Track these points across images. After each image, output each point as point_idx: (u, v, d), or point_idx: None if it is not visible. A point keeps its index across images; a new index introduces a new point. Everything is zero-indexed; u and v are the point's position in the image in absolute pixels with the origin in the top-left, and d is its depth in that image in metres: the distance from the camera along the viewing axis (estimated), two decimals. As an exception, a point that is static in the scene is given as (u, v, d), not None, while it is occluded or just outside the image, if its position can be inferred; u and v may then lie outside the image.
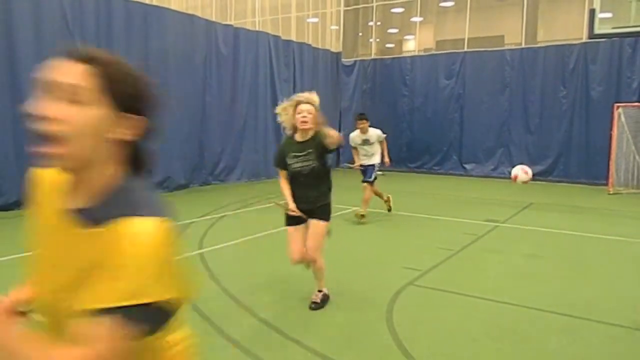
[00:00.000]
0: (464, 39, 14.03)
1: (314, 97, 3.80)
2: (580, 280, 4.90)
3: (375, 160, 7.48)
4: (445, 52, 14.59)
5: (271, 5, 13.50)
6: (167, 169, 10.10)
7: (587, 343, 3.43)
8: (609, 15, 8.40)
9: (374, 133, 7.43)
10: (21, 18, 7.75)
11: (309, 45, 14.35)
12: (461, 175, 13.87)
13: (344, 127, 13.83)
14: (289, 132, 3.89)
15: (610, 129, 11.07)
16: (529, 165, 12.57)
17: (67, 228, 1.03)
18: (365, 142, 7.42)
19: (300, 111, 3.71)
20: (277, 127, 9.17)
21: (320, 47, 14.85)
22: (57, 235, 1.06)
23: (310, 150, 3.72)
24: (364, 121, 7.39)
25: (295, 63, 13.59)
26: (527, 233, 6.93)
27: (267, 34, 12.72)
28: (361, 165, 7.52)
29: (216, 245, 5.93)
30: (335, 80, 15.41)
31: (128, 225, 0.95)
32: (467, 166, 14.04)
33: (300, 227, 3.87)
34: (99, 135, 1.00)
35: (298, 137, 3.80)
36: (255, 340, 3.36)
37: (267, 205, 7.60)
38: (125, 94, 1.02)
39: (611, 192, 10.86)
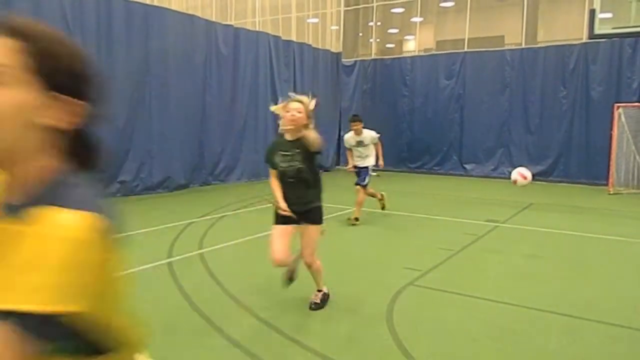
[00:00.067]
0: (464, 39, 14.03)
1: (305, 98, 3.75)
2: (580, 280, 4.90)
3: (369, 162, 7.40)
4: (445, 52, 14.59)
5: (271, 5, 13.50)
6: (167, 169, 10.10)
7: (587, 343, 3.43)
8: (609, 15, 8.40)
9: (368, 135, 7.36)
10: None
11: (309, 45, 14.36)
12: (461, 175, 13.87)
13: (344, 128, 13.83)
14: (281, 130, 3.84)
15: (611, 129, 11.07)
16: (529, 166, 12.65)
17: None
18: (360, 143, 7.35)
19: (289, 110, 3.65)
20: (277, 127, 9.20)
21: (320, 47, 14.86)
22: None
23: (297, 151, 3.65)
24: (358, 122, 7.31)
25: (295, 63, 13.60)
26: (528, 233, 6.93)
27: (267, 34, 12.73)
28: (355, 167, 7.47)
29: (216, 245, 5.93)
30: (335, 81, 15.41)
31: (44, 215, 0.80)
32: (467, 166, 14.04)
33: (288, 227, 3.75)
34: (25, 121, 0.85)
35: (288, 136, 3.75)
36: (255, 341, 3.36)
37: (267, 205, 7.59)
38: (58, 73, 0.87)
39: (611, 192, 10.86)
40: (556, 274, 5.07)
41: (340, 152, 14.65)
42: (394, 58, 15.51)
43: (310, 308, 3.89)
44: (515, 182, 6.57)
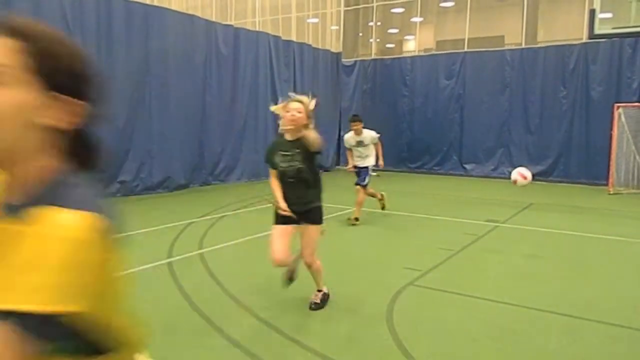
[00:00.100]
0: (464, 39, 14.03)
1: (305, 98, 3.73)
2: (580, 280, 4.90)
3: (369, 162, 7.39)
4: (445, 52, 14.59)
5: (271, 5, 13.50)
6: (167, 169, 10.10)
7: (587, 343, 3.43)
8: (609, 15, 8.40)
9: (368, 135, 7.34)
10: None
11: (309, 45, 14.36)
12: (461, 175, 13.87)
13: (344, 128, 13.83)
14: (281, 130, 3.82)
15: (611, 129, 11.07)
16: (529, 166, 12.63)
17: None
18: (360, 143, 7.34)
19: (289, 110, 3.63)
20: (277, 127, 9.21)
21: (320, 47, 14.86)
22: None
23: (297, 151, 3.63)
24: (358, 122, 7.30)
25: (295, 63, 13.60)
26: (527, 233, 6.93)
27: (267, 34, 12.73)
28: (355, 167, 7.46)
29: (216, 245, 5.93)
30: (335, 81, 15.41)
31: (44, 215, 0.80)
32: (467, 166, 14.04)
33: (288, 227, 3.73)
34: (25, 122, 0.85)
35: (288, 136, 3.73)
36: (255, 341, 3.36)
37: (268, 205, 7.59)
38: (58, 73, 0.87)
39: (611, 192, 10.86)
40: (556, 274, 5.07)
41: (341, 152, 14.65)
42: (394, 58, 15.51)
43: (310, 308, 3.89)
44: (515, 182, 6.58)
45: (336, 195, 8.84)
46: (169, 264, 5.11)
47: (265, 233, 6.36)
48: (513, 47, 13.72)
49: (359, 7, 16.46)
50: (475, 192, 10.95)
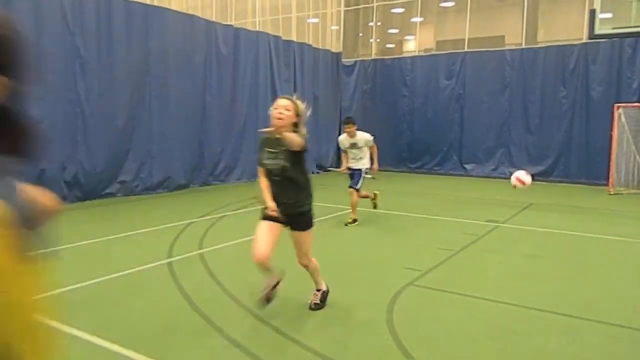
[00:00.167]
0: (464, 39, 14.03)
1: (297, 100, 3.63)
2: (580, 280, 4.90)
3: (364, 164, 7.34)
4: (445, 52, 14.60)
5: (271, 5, 13.51)
6: (167, 169, 10.11)
7: (587, 343, 3.43)
8: (609, 15, 8.41)
9: (362, 137, 7.30)
10: (21, 18, 7.76)
11: (310, 45, 14.36)
12: (461, 175, 13.88)
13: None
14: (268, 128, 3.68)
15: (611, 129, 11.07)
16: (529, 166, 12.62)
17: None
18: (353, 145, 7.30)
19: (277, 106, 3.53)
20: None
21: (320, 47, 14.87)
22: None
23: (283, 149, 3.52)
24: (351, 125, 7.26)
25: (295, 63, 13.60)
26: (528, 233, 6.93)
27: (268, 34, 12.73)
28: (349, 169, 7.41)
29: (216, 245, 5.93)
30: (335, 81, 15.41)
31: None
32: (467, 166, 14.04)
33: (275, 225, 3.61)
34: None
35: (276, 134, 3.57)
36: (255, 340, 3.36)
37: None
38: None
39: (611, 193, 10.86)
40: (556, 274, 5.06)
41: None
42: (394, 58, 15.52)
43: (311, 308, 3.89)
44: (514, 186, 6.58)
45: (336, 195, 8.85)
46: (169, 264, 5.11)
47: (265, 233, 6.38)
48: (513, 47, 13.72)
49: (359, 7, 16.46)
50: (475, 192, 10.95)
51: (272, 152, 3.59)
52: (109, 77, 9.01)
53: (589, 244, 6.44)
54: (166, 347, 3.24)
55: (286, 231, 3.71)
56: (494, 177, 13.20)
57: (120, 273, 4.76)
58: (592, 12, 8.47)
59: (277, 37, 13.03)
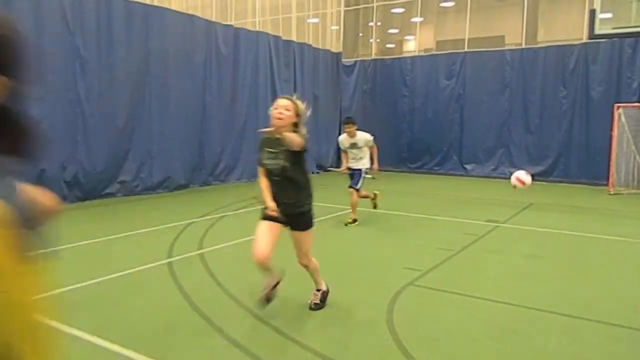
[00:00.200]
0: (464, 39, 14.03)
1: (297, 100, 3.62)
2: (580, 280, 4.90)
3: (364, 164, 7.33)
4: (445, 52, 14.60)
5: (271, 5, 13.51)
6: (167, 169, 10.11)
7: (587, 343, 3.43)
8: (609, 15, 8.41)
9: (362, 137, 7.29)
10: (22, 18, 7.76)
11: (310, 45, 14.36)
12: (461, 175, 13.88)
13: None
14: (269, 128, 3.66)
15: (611, 129, 11.07)
16: (529, 166, 12.62)
17: None
18: (353, 145, 7.29)
19: (277, 106, 3.52)
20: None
21: (320, 47, 14.87)
22: None
23: (283, 149, 3.51)
24: (351, 125, 7.25)
25: (295, 63, 13.60)
26: (528, 233, 6.93)
27: (268, 34, 12.73)
28: (349, 169, 7.39)
29: (216, 245, 5.93)
30: (335, 81, 15.41)
31: None
32: (467, 166, 14.04)
33: (275, 225, 3.60)
34: None
35: (276, 134, 3.55)
36: (255, 341, 3.36)
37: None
38: None
39: (611, 193, 10.86)
40: (556, 274, 5.06)
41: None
42: (394, 58, 15.52)
43: (311, 308, 3.89)
44: (514, 186, 6.57)
45: (336, 195, 8.85)
46: (169, 264, 5.11)
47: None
48: (513, 47, 13.72)
49: (359, 7, 16.46)
50: (475, 192, 10.95)
51: (272, 152, 3.58)
52: (109, 77, 9.02)
53: (589, 244, 6.44)
54: (166, 347, 3.25)
55: (286, 231, 3.71)
56: (494, 177, 13.20)
57: (120, 273, 4.76)
58: (592, 12, 8.47)
59: (277, 37, 13.03)
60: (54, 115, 8.17)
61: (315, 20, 15.04)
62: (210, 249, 5.76)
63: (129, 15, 9.29)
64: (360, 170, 7.31)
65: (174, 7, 10.69)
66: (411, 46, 17.50)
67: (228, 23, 12.20)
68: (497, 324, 3.71)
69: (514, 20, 14.40)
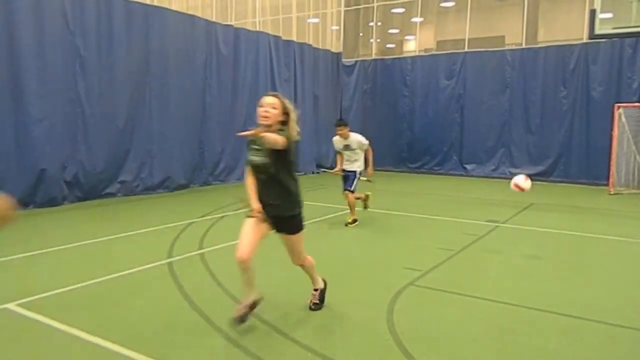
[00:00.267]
0: (464, 39, 14.03)
1: (283, 97, 3.52)
2: (580, 280, 4.90)
3: (358, 166, 7.27)
4: (445, 52, 14.60)
5: (272, 5, 13.51)
6: (167, 169, 10.11)
7: (587, 343, 3.43)
8: (609, 15, 8.40)
9: (355, 139, 7.21)
10: (22, 18, 7.76)
11: (310, 45, 14.36)
12: (462, 175, 13.88)
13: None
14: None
15: (611, 129, 11.07)
16: (529, 166, 12.61)
17: None
18: (347, 147, 7.24)
19: (263, 104, 3.43)
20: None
21: (320, 47, 14.86)
22: None
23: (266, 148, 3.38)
24: (343, 127, 7.18)
25: (295, 63, 13.60)
26: (528, 233, 6.93)
27: (268, 34, 12.73)
28: (343, 170, 7.33)
29: (216, 245, 5.93)
30: (335, 81, 15.41)
31: None
32: (467, 166, 14.04)
33: (261, 225, 3.51)
34: None
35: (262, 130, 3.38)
36: (255, 340, 3.36)
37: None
38: None
39: (612, 193, 10.85)
40: (556, 274, 5.06)
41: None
42: (395, 58, 15.52)
43: (310, 308, 3.89)
44: (514, 192, 6.52)
45: (336, 196, 8.84)
46: (169, 264, 5.11)
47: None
48: (513, 47, 13.72)
49: (359, 7, 16.46)
50: (475, 192, 10.95)
51: (258, 150, 3.45)
52: (109, 77, 9.02)
53: (589, 244, 6.44)
54: (166, 346, 3.25)
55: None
56: (495, 177, 13.19)
57: (120, 273, 4.76)
58: (593, 12, 8.46)
59: (277, 37, 13.03)
60: (54, 115, 8.18)
61: (316, 20, 15.04)
62: (210, 249, 5.76)
63: (129, 15, 9.29)
64: (354, 172, 7.25)
65: (174, 7, 10.69)
66: (411, 46, 17.50)
67: (228, 23, 12.21)
68: (497, 324, 3.71)
69: (514, 20, 14.40)
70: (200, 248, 5.77)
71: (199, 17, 10.99)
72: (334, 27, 15.55)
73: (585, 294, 4.44)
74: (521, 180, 6.21)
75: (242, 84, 11.83)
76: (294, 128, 3.53)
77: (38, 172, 7.97)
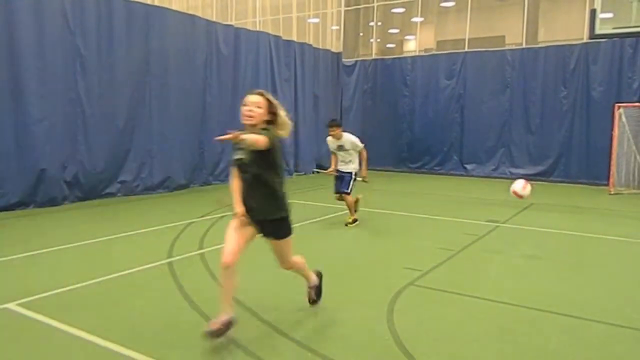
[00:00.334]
0: (464, 39, 14.03)
1: (269, 94, 3.41)
2: (580, 280, 4.90)
3: (352, 167, 7.21)
4: (446, 52, 14.60)
5: (272, 5, 13.51)
6: (168, 169, 10.11)
7: (587, 343, 3.42)
8: (609, 15, 8.40)
9: (349, 140, 7.15)
10: (22, 18, 7.77)
11: (310, 45, 14.36)
12: (462, 175, 13.88)
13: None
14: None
15: (611, 129, 11.07)
16: (530, 166, 12.60)
17: None
18: (340, 148, 7.19)
19: (247, 104, 3.29)
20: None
21: (321, 47, 14.86)
22: None
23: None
24: (335, 128, 7.13)
25: (296, 63, 13.60)
26: (528, 233, 6.93)
27: (268, 34, 12.73)
28: (337, 171, 7.27)
29: (216, 245, 5.91)
30: (335, 81, 15.41)
31: None
32: (467, 166, 14.04)
33: (247, 228, 3.39)
34: None
35: (246, 130, 3.29)
36: (255, 341, 3.36)
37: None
38: None
39: (612, 193, 10.85)
40: (556, 274, 5.06)
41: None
42: (395, 58, 15.52)
43: (310, 304, 3.89)
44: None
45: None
46: (169, 264, 5.11)
47: (266, 233, 6.36)
48: (514, 47, 13.73)
49: (359, 7, 16.47)
50: (475, 192, 10.95)
51: (241, 149, 3.33)
52: (109, 77, 9.02)
53: (589, 244, 6.44)
54: (166, 346, 3.24)
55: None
56: (495, 177, 13.20)
57: (121, 273, 4.76)
58: (593, 12, 8.46)
59: (277, 37, 13.03)
60: (54, 115, 8.18)
61: (316, 20, 15.04)
62: (210, 248, 5.75)
63: (129, 15, 9.29)
64: (350, 173, 7.19)
65: (174, 7, 10.69)
66: (411, 46, 17.50)
67: (228, 23, 12.20)
68: (497, 324, 3.71)
69: (515, 20, 14.40)
70: (200, 248, 5.77)
71: (199, 17, 10.99)
72: (334, 27, 15.55)
73: (585, 294, 4.44)
74: (520, 188, 6.19)
75: (243, 84, 11.81)
76: (284, 125, 3.38)
77: (38, 172, 7.97)
